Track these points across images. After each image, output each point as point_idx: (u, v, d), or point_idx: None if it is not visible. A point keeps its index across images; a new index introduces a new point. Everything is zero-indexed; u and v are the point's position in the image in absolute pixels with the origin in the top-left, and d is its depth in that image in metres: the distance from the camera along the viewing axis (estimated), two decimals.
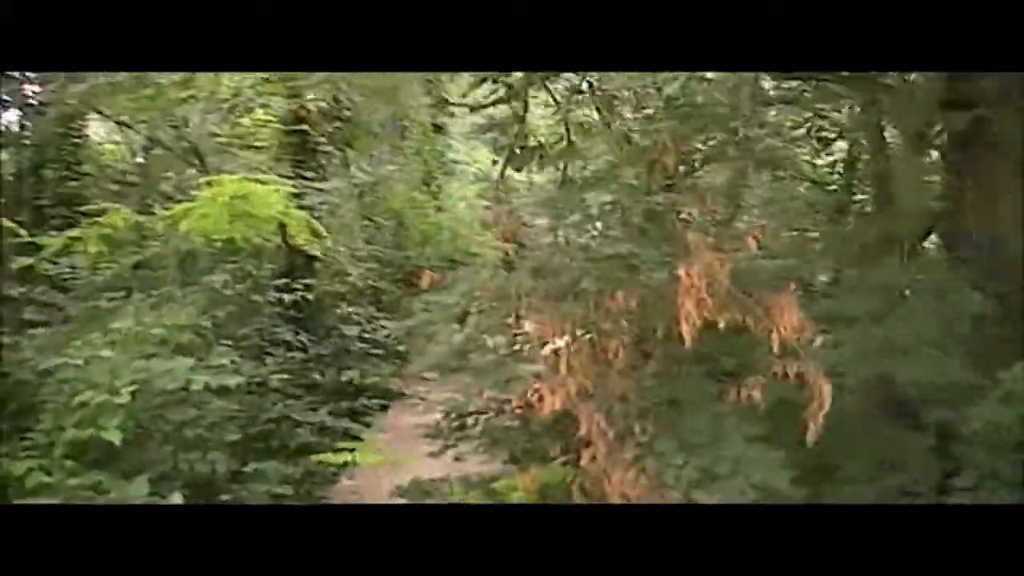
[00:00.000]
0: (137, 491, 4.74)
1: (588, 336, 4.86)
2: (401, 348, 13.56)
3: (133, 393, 4.89)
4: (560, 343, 4.72)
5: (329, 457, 6.01)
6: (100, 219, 6.97)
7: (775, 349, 4.47)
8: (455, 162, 22.34)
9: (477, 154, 29.23)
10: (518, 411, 5.28)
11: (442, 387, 13.42)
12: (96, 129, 15.66)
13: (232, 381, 5.81)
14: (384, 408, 11.95)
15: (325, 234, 7.72)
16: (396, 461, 6.33)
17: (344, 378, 10.09)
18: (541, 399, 4.56)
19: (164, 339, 5.95)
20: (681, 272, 4.39)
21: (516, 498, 4.93)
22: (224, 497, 5.65)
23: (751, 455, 4.33)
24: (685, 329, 4.36)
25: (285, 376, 7.76)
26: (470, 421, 6.72)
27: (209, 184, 6.80)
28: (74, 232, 6.84)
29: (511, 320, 5.35)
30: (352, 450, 6.03)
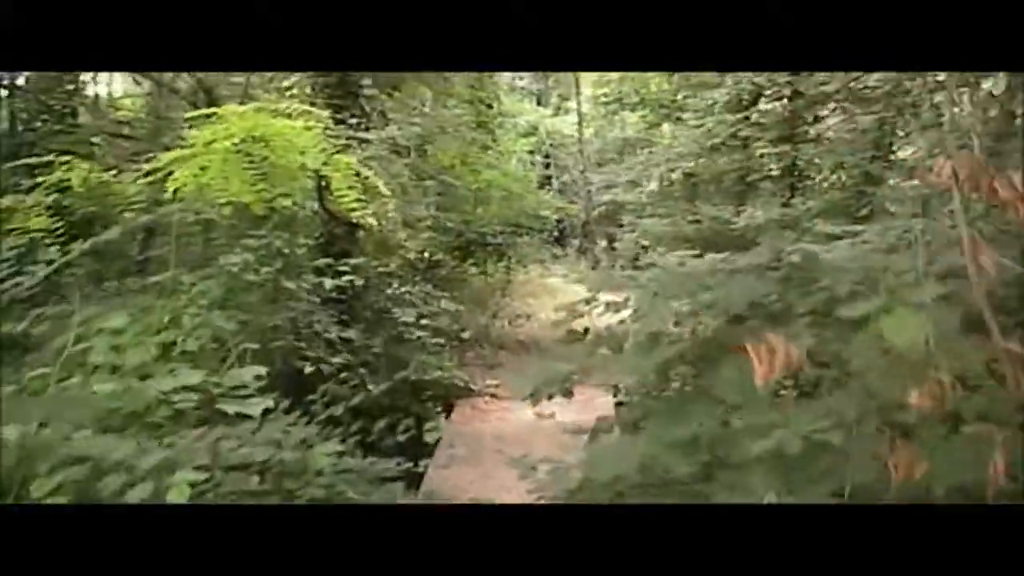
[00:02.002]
0: None
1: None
2: (465, 334, 11.20)
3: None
4: None
5: None
6: (47, 179, 4.66)
7: None
8: (501, 115, 19.85)
9: (520, 106, 26.74)
10: None
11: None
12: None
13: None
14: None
15: (386, 192, 5.29)
16: None
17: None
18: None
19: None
20: None
21: None
22: None
23: None
24: None
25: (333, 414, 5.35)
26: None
27: (208, 117, 4.40)
28: (5, 200, 4.50)
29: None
30: None
